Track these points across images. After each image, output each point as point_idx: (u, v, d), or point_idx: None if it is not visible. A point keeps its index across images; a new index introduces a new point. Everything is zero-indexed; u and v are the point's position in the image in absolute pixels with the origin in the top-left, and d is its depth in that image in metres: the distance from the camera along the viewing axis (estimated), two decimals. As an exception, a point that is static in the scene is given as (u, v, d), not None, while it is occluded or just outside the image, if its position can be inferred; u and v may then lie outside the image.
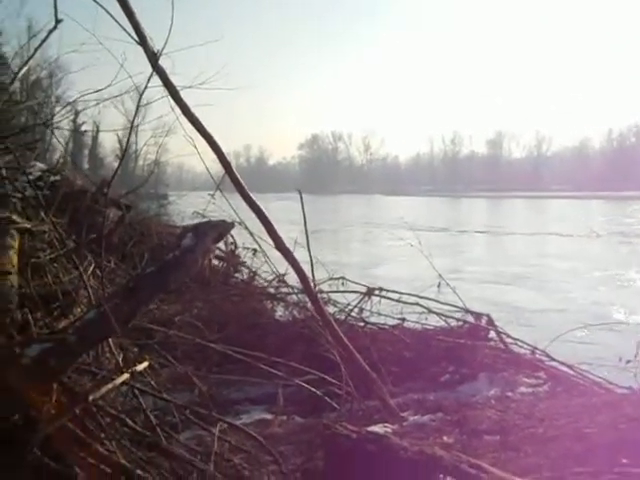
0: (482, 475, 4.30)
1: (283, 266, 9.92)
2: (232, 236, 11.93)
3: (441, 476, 4.36)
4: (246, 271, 12.00)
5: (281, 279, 10.31)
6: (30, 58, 9.08)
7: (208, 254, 4.97)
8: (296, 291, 9.91)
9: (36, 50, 8.34)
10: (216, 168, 8.44)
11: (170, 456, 4.51)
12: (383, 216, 54.26)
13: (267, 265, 10.82)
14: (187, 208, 15.05)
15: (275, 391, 7.84)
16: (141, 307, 4.56)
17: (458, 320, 9.89)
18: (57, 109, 20.67)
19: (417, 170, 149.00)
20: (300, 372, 7.78)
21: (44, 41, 8.17)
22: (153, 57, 6.23)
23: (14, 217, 5.61)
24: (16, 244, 5.26)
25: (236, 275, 12.01)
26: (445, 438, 6.52)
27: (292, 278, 10.03)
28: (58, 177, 10.63)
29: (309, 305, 9.90)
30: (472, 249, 31.38)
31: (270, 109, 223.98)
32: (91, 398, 4.23)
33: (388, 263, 23.53)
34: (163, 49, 6.25)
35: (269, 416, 7.56)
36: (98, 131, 59.35)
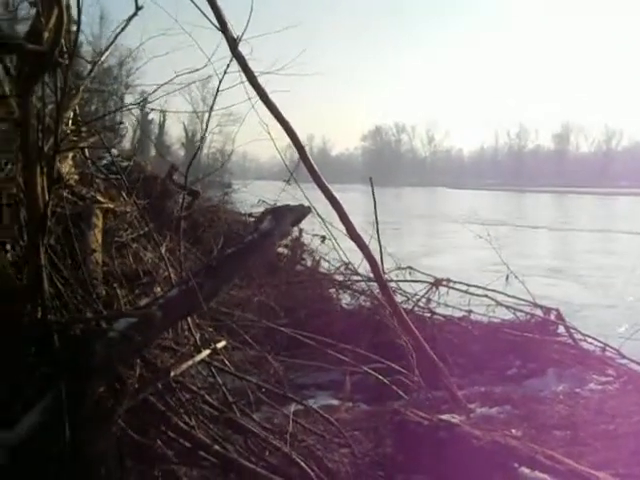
0: (558, 466, 4.27)
1: (349, 254, 10.03)
2: (297, 223, 11.99)
3: (516, 465, 4.35)
4: (312, 258, 12.04)
5: (349, 267, 10.33)
6: (111, 44, 9.22)
7: (286, 237, 5.04)
8: (364, 279, 9.93)
9: (116, 36, 8.45)
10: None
11: (247, 433, 4.60)
12: (443, 209, 53.69)
13: (331, 253, 10.84)
14: (251, 196, 15.17)
15: (340, 378, 7.90)
16: (222, 286, 4.66)
17: (527, 314, 9.78)
18: (127, 97, 20.99)
19: (481, 163, 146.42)
20: (366, 360, 7.81)
21: (124, 28, 8.30)
22: (233, 43, 6.30)
23: (98, 197, 5.80)
24: (100, 223, 5.44)
25: (302, 262, 12.06)
26: (513, 431, 6.46)
27: (357, 266, 10.14)
28: (130, 162, 10.89)
29: (376, 293, 9.97)
30: (527, 243, 30.64)
31: (336, 99, 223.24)
32: (172, 374, 4.36)
33: (438, 254, 23.38)
34: (242, 35, 6.32)
35: (335, 402, 7.61)
36: (165, 118, 60.39)
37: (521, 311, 9.77)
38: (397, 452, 5.10)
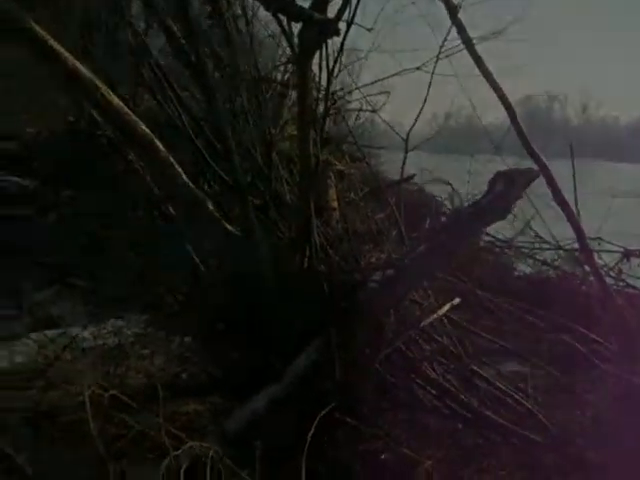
0: None
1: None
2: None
3: None
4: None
5: (538, 235, 10.27)
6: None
7: (517, 201, 5.14)
8: (552, 247, 9.87)
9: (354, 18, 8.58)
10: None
11: (484, 386, 4.80)
12: (591, 182, 51.37)
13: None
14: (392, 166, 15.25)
15: (524, 345, 7.91)
16: (461, 245, 4.83)
17: None
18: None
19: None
20: (556, 328, 7.78)
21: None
22: (453, 10, 6.40)
23: (331, 159, 6.14)
24: (334, 183, 5.77)
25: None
26: None
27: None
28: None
29: (557, 263, 9.89)
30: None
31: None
32: (422, 325, 4.63)
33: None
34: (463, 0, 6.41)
35: (522, 369, 7.64)
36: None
37: None
38: (623, 417, 5.12)
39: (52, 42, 3.54)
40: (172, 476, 3.21)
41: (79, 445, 3.86)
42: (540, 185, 7.09)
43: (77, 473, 3.68)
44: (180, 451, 3.31)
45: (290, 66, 6.40)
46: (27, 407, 4.73)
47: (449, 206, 12.78)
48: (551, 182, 7.07)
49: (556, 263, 10.01)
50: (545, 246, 10.11)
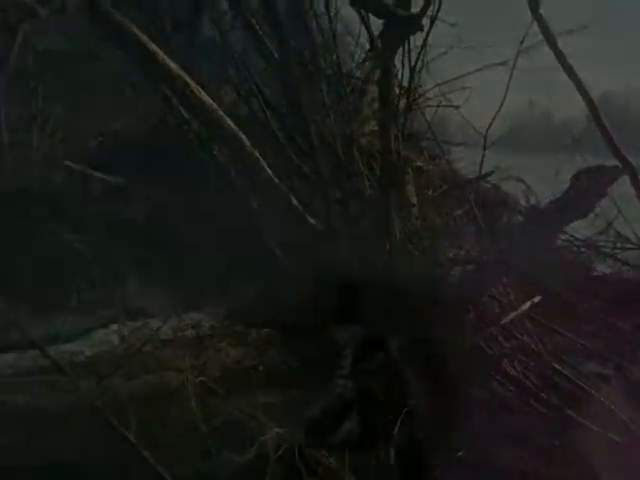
0: None
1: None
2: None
3: None
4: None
5: (620, 234, 10.00)
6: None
7: (602, 198, 5.05)
8: (633, 247, 9.59)
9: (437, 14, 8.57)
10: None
11: (562, 385, 4.75)
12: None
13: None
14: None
15: (605, 345, 7.73)
16: (542, 242, 4.77)
17: None
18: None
19: None
20: (637, 329, 7.58)
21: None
22: (535, 4, 6.30)
23: (410, 155, 6.14)
24: (412, 180, 5.77)
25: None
26: None
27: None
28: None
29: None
30: None
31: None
32: (502, 322, 4.60)
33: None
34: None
35: (603, 370, 7.48)
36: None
37: None
38: None
39: (146, 41, 3.68)
40: (260, 460, 3.30)
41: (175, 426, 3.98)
42: (622, 184, 6.95)
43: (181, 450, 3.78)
44: (267, 437, 3.39)
45: (369, 62, 6.43)
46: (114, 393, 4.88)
47: (524, 204, 12.61)
48: (636, 181, 6.89)
49: (638, 263, 9.75)
50: (627, 246, 9.83)
